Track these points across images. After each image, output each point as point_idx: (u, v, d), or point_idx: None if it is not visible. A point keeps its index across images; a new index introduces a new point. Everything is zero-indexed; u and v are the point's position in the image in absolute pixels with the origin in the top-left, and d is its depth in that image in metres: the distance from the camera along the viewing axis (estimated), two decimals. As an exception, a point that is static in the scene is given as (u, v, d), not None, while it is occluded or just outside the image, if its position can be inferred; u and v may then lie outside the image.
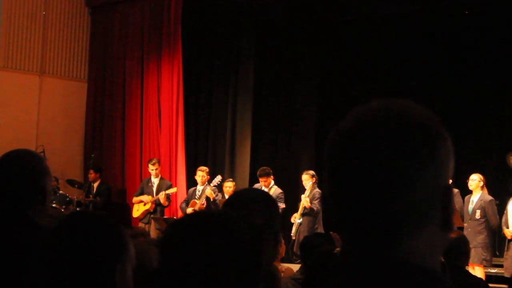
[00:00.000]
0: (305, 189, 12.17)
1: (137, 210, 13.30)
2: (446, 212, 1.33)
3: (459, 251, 5.53)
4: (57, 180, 13.18)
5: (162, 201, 13.07)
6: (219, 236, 1.64)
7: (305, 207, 12.02)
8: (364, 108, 1.36)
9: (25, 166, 3.11)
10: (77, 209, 13.17)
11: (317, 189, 12.12)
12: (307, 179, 12.17)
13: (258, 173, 12.68)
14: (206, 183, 12.72)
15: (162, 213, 13.29)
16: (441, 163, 1.32)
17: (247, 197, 2.86)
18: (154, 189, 13.31)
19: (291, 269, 7.81)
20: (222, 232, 1.65)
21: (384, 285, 1.27)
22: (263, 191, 3.37)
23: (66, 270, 2.10)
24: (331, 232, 6.53)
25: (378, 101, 1.36)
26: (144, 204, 13.22)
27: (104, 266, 2.13)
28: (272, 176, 12.49)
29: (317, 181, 12.19)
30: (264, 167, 12.71)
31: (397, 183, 1.28)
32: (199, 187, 12.79)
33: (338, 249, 4.35)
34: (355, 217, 1.32)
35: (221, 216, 1.73)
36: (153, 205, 13.17)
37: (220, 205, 12.17)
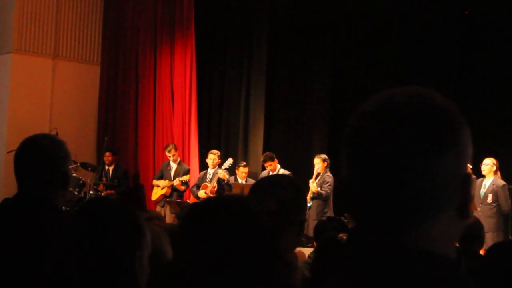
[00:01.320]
0: (317, 172, 12.14)
1: (155, 194, 13.38)
2: (464, 200, 1.33)
3: (474, 236, 5.51)
4: (76, 163, 13.22)
5: (178, 187, 13.13)
6: (237, 223, 1.64)
7: (313, 192, 12.00)
8: (386, 93, 1.36)
9: (46, 151, 3.12)
10: (92, 192, 13.25)
11: (328, 173, 12.10)
12: (319, 163, 12.14)
13: (262, 159, 12.69)
14: (217, 166, 12.73)
15: (180, 197, 13.33)
16: (462, 150, 1.32)
17: (271, 184, 2.84)
18: (172, 173, 13.36)
19: (303, 253, 7.82)
20: (240, 219, 1.65)
21: (398, 271, 1.28)
22: (289, 178, 3.31)
23: (87, 256, 2.12)
24: (345, 214, 6.55)
25: (399, 87, 1.36)
26: (162, 188, 13.29)
27: (124, 253, 2.16)
28: (277, 160, 12.47)
29: (328, 165, 12.19)
30: (267, 152, 12.73)
31: (418, 168, 1.28)
32: (210, 171, 12.79)
33: (341, 234, 4.36)
34: (373, 201, 1.32)
35: (239, 202, 1.73)
36: (169, 190, 13.23)
37: (234, 188, 12.19)
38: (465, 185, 1.33)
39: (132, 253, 2.17)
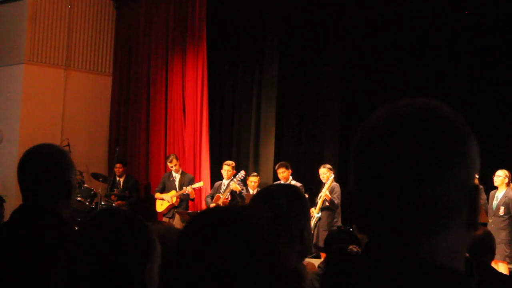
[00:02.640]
0: (322, 183, 12.13)
1: (161, 205, 13.33)
2: (472, 212, 1.32)
3: (485, 248, 5.48)
4: (81, 173, 13.25)
5: (191, 195, 13.11)
6: (233, 233, 1.63)
7: (325, 200, 11.96)
8: (394, 105, 1.35)
9: (49, 161, 3.10)
10: (103, 203, 13.25)
11: (334, 183, 12.08)
12: (325, 173, 12.13)
13: (276, 166, 12.67)
14: (232, 177, 12.74)
15: (187, 207, 13.32)
16: (470, 161, 1.32)
17: (266, 194, 2.83)
18: (177, 183, 13.34)
19: (313, 264, 7.80)
20: (236, 229, 1.64)
21: (406, 284, 1.27)
22: (290, 186, 3.29)
23: (97, 268, 2.12)
24: (353, 226, 6.54)
25: (407, 98, 1.36)
26: (168, 201, 13.24)
27: (135, 265, 2.15)
28: (290, 170, 12.47)
29: (334, 175, 12.20)
30: (282, 161, 12.74)
31: (427, 180, 1.28)
32: (225, 181, 12.80)
33: (352, 246, 4.35)
34: (381, 214, 1.31)
35: (234, 213, 1.72)
36: (178, 200, 13.20)
37: (247, 199, 12.19)
38: (473, 196, 1.32)
39: (143, 265, 2.17)
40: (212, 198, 12.77)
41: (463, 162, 1.30)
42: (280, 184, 4.16)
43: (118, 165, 14.02)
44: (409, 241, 1.30)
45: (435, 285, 1.26)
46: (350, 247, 4.49)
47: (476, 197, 1.33)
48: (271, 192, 2.84)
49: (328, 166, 12.23)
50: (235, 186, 12.47)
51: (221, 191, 12.70)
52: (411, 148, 1.28)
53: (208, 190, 13.46)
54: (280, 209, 2.67)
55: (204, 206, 13.27)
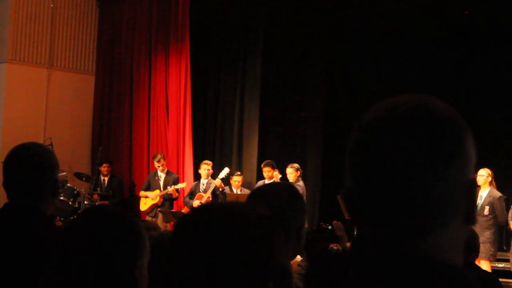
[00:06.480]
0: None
1: (145, 204, 13.30)
2: (470, 207, 1.33)
3: (470, 246, 5.50)
4: (63, 172, 13.16)
5: (174, 195, 13.10)
6: (228, 229, 1.62)
7: None
8: (390, 101, 1.35)
9: (36, 159, 3.11)
10: (86, 202, 13.19)
11: (298, 183, 12.01)
12: (292, 172, 12.12)
13: (262, 164, 12.64)
14: (210, 177, 12.72)
15: (171, 207, 13.30)
16: (467, 158, 1.32)
17: (265, 191, 2.84)
18: (161, 183, 13.31)
19: (295, 262, 7.77)
20: (232, 225, 1.64)
21: (408, 281, 1.26)
22: (284, 185, 3.30)
23: (87, 266, 2.10)
24: (334, 222, 6.52)
25: (403, 95, 1.36)
26: (152, 199, 13.22)
27: (125, 263, 2.14)
28: (276, 169, 12.45)
29: (301, 174, 12.18)
30: (269, 160, 12.70)
31: (424, 177, 1.27)
32: (203, 181, 12.78)
33: (332, 245, 4.33)
34: (380, 211, 1.31)
35: (230, 208, 1.71)
36: (161, 199, 13.18)
37: (228, 197, 12.18)
38: (470, 191, 1.33)
39: (133, 262, 2.15)
40: (191, 197, 12.73)
41: (460, 159, 1.30)
42: (280, 183, 4.17)
43: (105, 164, 13.94)
44: (409, 238, 1.29)
45: (437, 282, 1.26)
46: (331, 246, 4.48)
47: (473, 192, 1.33)
48: (271, 190, 2.86)
49: (295, 165, 12.21)
50: (220, 182, 12.45)
51: (199, 190, 12.68)
52: (408, 145, 1.28)
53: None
54: (280, 207, 2.67)
55: (184, 206, 13.24)
